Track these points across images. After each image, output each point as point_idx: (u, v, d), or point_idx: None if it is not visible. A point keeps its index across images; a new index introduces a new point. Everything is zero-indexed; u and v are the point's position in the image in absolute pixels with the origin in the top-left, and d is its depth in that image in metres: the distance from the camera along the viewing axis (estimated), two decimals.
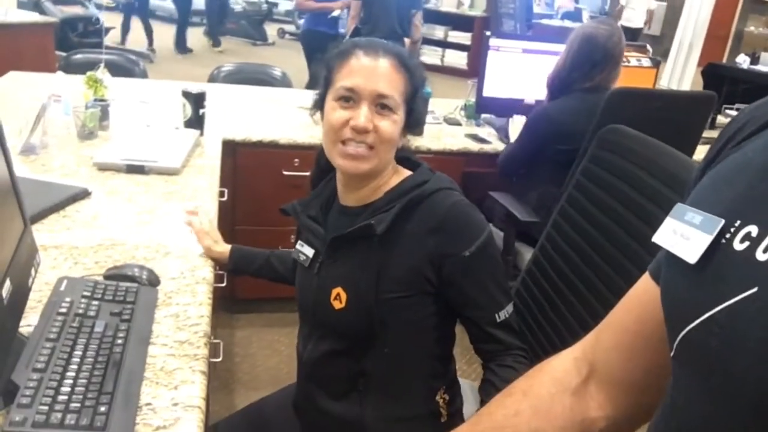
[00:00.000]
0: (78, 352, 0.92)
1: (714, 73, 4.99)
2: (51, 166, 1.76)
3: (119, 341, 0.97)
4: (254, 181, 2.43)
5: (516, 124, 2.63)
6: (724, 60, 8.85)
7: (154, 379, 0.94)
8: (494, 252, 1.13)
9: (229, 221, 2.33)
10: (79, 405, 0.82)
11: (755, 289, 0.43)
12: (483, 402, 1.07)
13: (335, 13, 4.51)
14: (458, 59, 8.92)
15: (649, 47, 3.18)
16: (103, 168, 1.76)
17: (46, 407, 0.80)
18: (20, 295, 0.89)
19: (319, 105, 1.17)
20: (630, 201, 1.11)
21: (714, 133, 2.92)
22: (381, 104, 1.09)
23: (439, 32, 9.02)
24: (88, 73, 2.21)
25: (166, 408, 0.88)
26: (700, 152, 2.25)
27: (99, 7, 7.06)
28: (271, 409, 1.36)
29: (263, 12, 10.63)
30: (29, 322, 0.98)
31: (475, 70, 3.04)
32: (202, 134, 2.13)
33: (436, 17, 8.75)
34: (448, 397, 1.20)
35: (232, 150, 2.32)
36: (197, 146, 2.04)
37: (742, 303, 0.44)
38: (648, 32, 10.19)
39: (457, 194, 1.13)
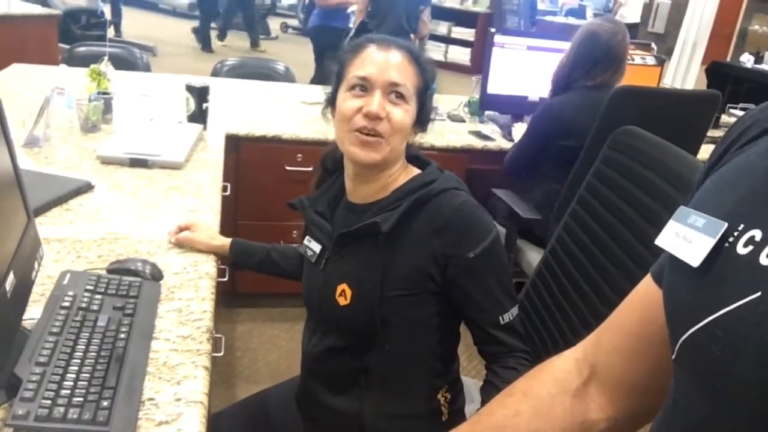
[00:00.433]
0: (81, 347, 0.92)
1: (718, 71, 4.99)
2: (54, 158, 1.76)
3: (122, 336, 0.97)
4: (257, 175, 2.43)
5: (519, 127, 2.63)
6: (728, 58, 8.81)
7: (156, 374, 0.94)
8: (500, 254, 1.13)
9: (231, 216, 2.34)
10: (81, 399, 0.82)
11: (758, 294, 0.43)
12: (484, 404, 1.07)
13: (352, 8, 4.50)
14: (461, 55, 8.90)
15: (653, 45, 3.18)
16: (106, 161, 1.76)
17: (49, 401, 0.80)
18: (23, 288, 0.90)
19: (331, 101, 1.17)
20: (640, 204, 1.10)
21: (718, 132, 2.92)
22: (394, 92, 1.09)
23: (442, 28, 9.01)
24: (92, 66, 2.21)
25: (169, 403, 0.88)
26: (705, 152, 2.25)
27: None
28: (273, 400, 1.37)
29: (266, 6, 10.60)
30: (32, 315, 0.97)
31: (478, 66, 3.03)
32: (205, 128, 2.13)
33: (440, 13, 8.70)
34: (449, 396, 1.20)
35: (235, 144, 2.32)
36: (200, 140, 2.04)
37: (744, 307, 0.43)
38: (652, 30, 10.16)
39: (465, 194, 1.12)
